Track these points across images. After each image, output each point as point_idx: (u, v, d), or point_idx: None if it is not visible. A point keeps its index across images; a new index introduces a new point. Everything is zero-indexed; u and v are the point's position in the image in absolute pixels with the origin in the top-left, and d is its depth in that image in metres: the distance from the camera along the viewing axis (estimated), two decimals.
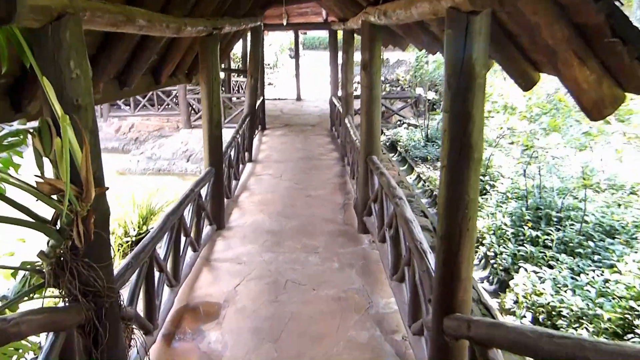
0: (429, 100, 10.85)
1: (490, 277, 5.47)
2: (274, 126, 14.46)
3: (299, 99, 19.69)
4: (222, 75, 19.63)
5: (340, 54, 16.26)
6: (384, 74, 21.79)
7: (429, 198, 7.58)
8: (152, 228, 4.48)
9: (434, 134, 10.24)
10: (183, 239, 5.30)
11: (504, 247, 5.76)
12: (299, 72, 19.86)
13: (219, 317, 4.69)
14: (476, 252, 5.90)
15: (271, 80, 24.44)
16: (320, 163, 10.36)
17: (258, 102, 12.72)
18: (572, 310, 4.45)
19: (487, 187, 6.55)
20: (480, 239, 5.68)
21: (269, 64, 25.13)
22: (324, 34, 34.57)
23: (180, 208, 4.86)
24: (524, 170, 6.12)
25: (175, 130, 15.65)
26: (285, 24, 18.44)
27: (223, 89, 18.65)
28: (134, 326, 3.55)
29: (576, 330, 4.32)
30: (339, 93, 14.21)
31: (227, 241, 6.44)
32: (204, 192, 6.30)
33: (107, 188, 2.77)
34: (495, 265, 5.60)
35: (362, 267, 5.64)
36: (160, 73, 5.96)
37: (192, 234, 5.61)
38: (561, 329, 4.54)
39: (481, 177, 6.92)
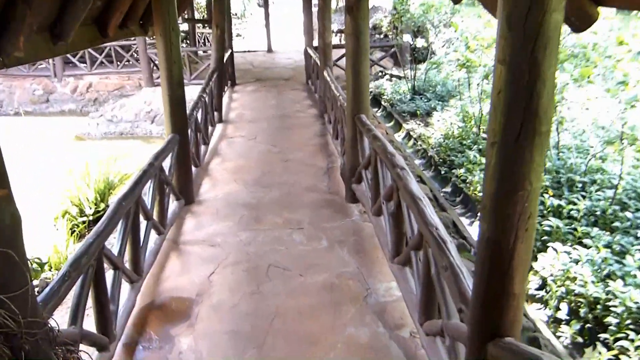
0: (416, 48, 9.89)
1: None
2: (244, 81, 13.40)
3: (270, 50, 18.46)
4: (184, 27, 18.17)
5: None
6: None
7: (422, 159, 6.88)
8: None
9: (421, 85, 9.41)
10: (144, 223, 4.49)
11: None
12: (269, 21, 18.52)
13: (191, 316, 3.94)
14: None
15: (239, 31, 22.92)
16: (298, 121, 9.48)
17: (226, 56, 11.61)
18: (625, 306, 3.74)
19: None
20: None
21: (236, 14, 23.48)
22: None
23: (135, 190, 4.01)
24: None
25: (138, 88, 14.40)
26: None
27: (187, 42, 17.25)
28: (80, 349, 2.79)
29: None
30: (315, 43, 13.19)
31: (197, 218, 5.63)
32: (167, 163, 5.42)
33: (7, 191, 1.92)
34: None
35: (355, 244, 4.93)
36: (106, 23, 4.93)
37: (155, 216, 4.79)
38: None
39: (484, 136, 6.22)
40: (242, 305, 4.03)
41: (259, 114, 10.06)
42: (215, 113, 9.19)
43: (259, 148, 8.01)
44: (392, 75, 11.38)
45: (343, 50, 14.27)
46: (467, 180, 5.60)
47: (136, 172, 4.40)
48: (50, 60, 15.11)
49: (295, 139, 8.42)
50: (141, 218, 4.37)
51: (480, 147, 6.00)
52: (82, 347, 2.90)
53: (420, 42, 9.39)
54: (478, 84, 6.19)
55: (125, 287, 3.96)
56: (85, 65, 15.18)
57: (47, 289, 2.56)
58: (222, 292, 4.20)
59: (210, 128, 8.41)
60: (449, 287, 2.77)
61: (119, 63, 14.98)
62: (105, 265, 3.46)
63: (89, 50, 14.88)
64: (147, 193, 4.67)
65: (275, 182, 6.56)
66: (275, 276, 4.41)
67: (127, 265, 4.08)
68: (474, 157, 5.90)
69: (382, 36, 15.72)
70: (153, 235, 4.77)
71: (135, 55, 14.60)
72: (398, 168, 3.96)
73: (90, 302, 3.16)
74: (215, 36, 8.87)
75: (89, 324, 3.20)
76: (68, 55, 15.16)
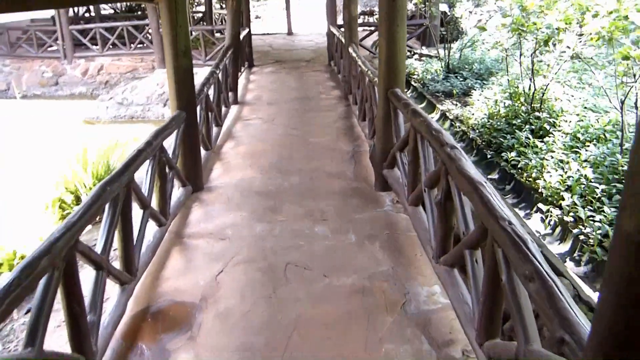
0: (447, 26, 8.89)
1: (577, 255, 3.98)
2: (262, 63, 12.66)
3: (290, 33, 17.69)
4: (201, 8, 17.46)
5: None
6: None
7: (462, 142, 6.06)
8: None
9: (456, 64, 8.52)
10: (140, 212, 3.79)
11: (593, 210, 4.17)
12: (289, 2, 17.74)
13: (193, 326, 3.25)
14: (547, 215, 4.38)
15: (258, 13, 22.17)
16: (320, 103, 8.72)
17: (243, 34, 10.86)
18: None
19: (547, 126, 5.01)
20: (551, 197, 4.17)
21: None
22: None
23: (126, 172, 3.30)
24: (622, 99, 4.38)
25: (151, 71, 13.78)
26: None
27: (204, 22, 16.54)
28: None
29: None
30: (339, 22, 12.38)
31: (206, 208, 4.93)
32: (170, 144, 4.73)
33: None
34: (582, 237, 3.96)
35: (388, 239, 4.18)
36: None
37: (154, 204, 4.09)
38: None
39: (537, 115, 5.37)
40: (255, 313, 3.32)
41: (278, 96, 9.32)
42: (230, 94, 8.48)
43: (277, 131, 7.28)
44: (421, 55, 10.52)
45: (366, 32, 13.45)
46: (519, 166, 4.78)
47: (130, 151, 3.69)
48: (60, 41, 14.58)
49: (317, 121, 7.67)
50: (137, 207, 3.70)
51: (534, 127, 5.16)
52: None
53: (459, 11, 8.47)
54: (534, 52, 5.32)
55: (114, 289, 3.29)
56: (96, 46, 14.59)
57: None
58: (231, 297, 3.49)
59: (224, 109, 7.70)
60: (536, 303, 2.00)
61: (131, 44, 14.35)
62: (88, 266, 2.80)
63: (100, 30, 14.30)
64: (145, 178, 3.98)
65: (295, 168, 5.82)
66: (295, 277, 3.68)
67: (117, 264, 3.40)
68: (526, 138, 5.06)
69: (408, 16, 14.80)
70: (152, 227, 4.08)
71: (149, 36, 13.96)
72: (448, 147, 3.18)
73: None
74: (231, 9, 8.13)
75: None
76: (79, 36, 14.63)
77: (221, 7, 16.43)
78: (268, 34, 18.18)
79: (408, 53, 11.28)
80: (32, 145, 9.29)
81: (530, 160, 4.59)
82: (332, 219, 4.54)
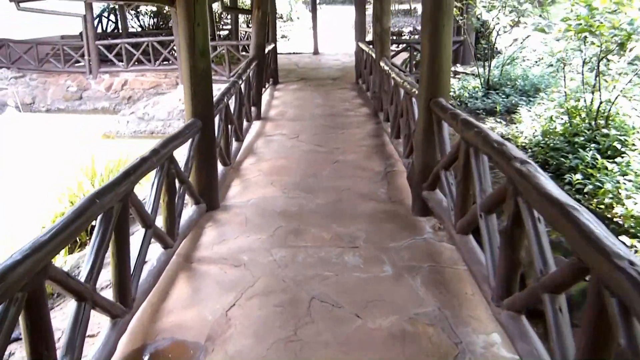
0: (502, 28, 8.33)
1: None
2: (288, 80, 12.23)
3: (316, 52, 17.34)
4: (224, 16, 17.21)
5: None
6: (413, 24, 19.28)
7: None
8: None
9: (496, 81, 7.87)
10: (141, 232, 3.24)
11: None
12: (316, 23, 17.45)
13: None
14: (633, 250, 3.66)
15: (285, 32, 21.93)
16: (347, 120, 8.16)
17: (269, 49, 10.46)
18: None
19: (617, 145, 4.35)
20: (636, 229, 3.49)
21: (281, 15, 22.52)
22: None
23: (123, 183, 2.76)
24: None
25: (174, 87, 13.50)
26: None
27: (229, 38, 16.29)
28: None
29: None
30: (368, 38, 11.92)
31: (220, 228, 4.36)
32: (183, 155, 4.21)
33: None
34: None
35: (431, 273, 3.53)
36: None
37: (161, 222, 3.55)
38: None
39: (604, 132, 4.68)
40: (272, 359, 2.70)
41: (303, 112, 8.81)
42: (253, 108, 8.00)
43: (302, 147, 6.73)
44: (456, 72, 9.95)
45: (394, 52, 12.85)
46: (586, 190, 4.10)
47: (129, 161, 3.16)
48: (87, 56, 14.46)
49: (345, 138, 7.10)
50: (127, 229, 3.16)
51: (600, 146, 4.49)
52: None
53: (504, 20, 7.85)
54: (601, 58, 4.66)
55: (103, 324, 2.72)
56: (122, 62, 14.42)
57: None
58: (244, 337, 2.88)
59: (245, 123, 7.20)
60: None
61: (156, 60, 14.13)
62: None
63: (126, 45, 14.14)
64: (150, 192, 3.43)
65: (321, 187, 5.24)
66: (321, 316, 3.06)
67: (110, 292, 2.84)
68: (593, 158, 4.39)
69: None
70: (156, 249, 3.53)
71: (174, 52, 13.72)
72: (517, 161, 2.55)
73: None
74: (257, 19, 7.71)
75: None
76: (105, 52, 14.50)
77: (247, 26, 16.19)
78: (294, 53, 17.87)
79: None
80: (45, 157, 8.95)
81: (603, 184, 3.92)
82: (364, 247, 3.92)
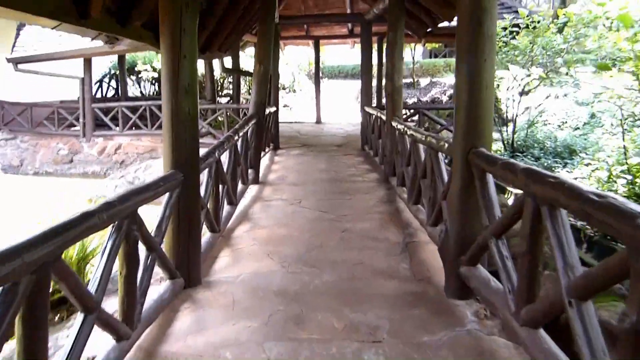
0: (532, 80, 7.66)
1: None
2: (289, 146, 11.55)
3: (319, 121, 16.88)
4: (226, 79, 16.79)
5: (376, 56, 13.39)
6: (417, 95, 19.04)
7: None
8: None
9: (520, 143, 7.12)
10: (80, 317, 2.28)
11: None
12: (319, 92, 17.13)
13: None
14: None
15: (287, 102, 21.67)
16: (355, 186, 7.33)
17: (270, 111, 9.85)
18: None
19: None
20: None
21: (284, 86, 22.41)
22: (344, 61, 32.23)
23: (41, 246, 1.84)
24: None
25: None
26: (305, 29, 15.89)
27: (230, 100, 15.82)
28: None
29: None
30: (374, 103, 11.39)
31: (199, 312, 3.36)
32: (151, 216, 3.31)
33: None
34: None
35: None
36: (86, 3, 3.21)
37: (118, 302, 2.60)
38: None
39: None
40: None
41: (306, 177, 8.00)
42: (250, 171, 7.19)
43: (305, 214, 5.83)
44: None
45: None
46: None
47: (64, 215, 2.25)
48: (81, 119, 13.92)
49: (354, 204, 6.22)
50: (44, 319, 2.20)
51: None
52: None
53: (536, 72, 7.19)
54: None
55: None
56: (117, 126, 13.85)
57: None
58: None
59: (240, 185, 6.35)
60: None
61: (153, 125, 13.56)
62: None
63: (123, 109, 13.63)
64: (100, 261, 2.50)
65: (328, 261, 4.29)
66: None
67: None
68: None
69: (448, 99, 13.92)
70: (106, 341, 2.54)
71: None
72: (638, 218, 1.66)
73: None
74: (258, 74, 7.08)
75: None
76: (101, 115, 13.97)
77: (249, 92, 15.83)
78: (296, 122, 17.45)
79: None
80: (19, 221, 8.04)
81: None
82: (389, 341, 2.92)
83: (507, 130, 7.39)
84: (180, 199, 3.52)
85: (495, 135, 8.01)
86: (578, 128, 7.18)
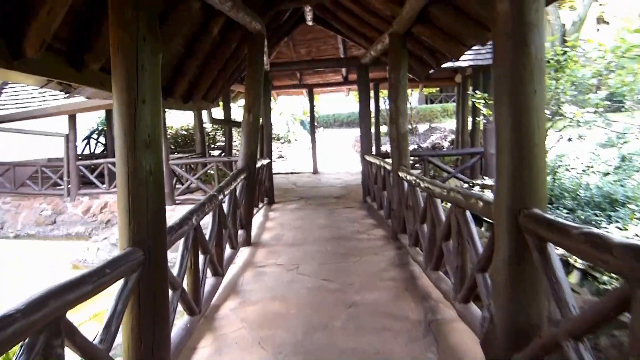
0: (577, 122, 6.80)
1: None
2: (285, 200, 10.75)
3: (315, 172, 16.17)
4: (218, 130, 16.15)
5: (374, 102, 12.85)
6: (416, 141, 18.47)
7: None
8: None
9: (550, 191, 6.22)
10: None
11: None
12: (315, 140, 16.51)
13: None
14: None
15: (282, 152, 21.02)
16: (360, 245, 6.48)
17: (262, 163, 9.12)
18: None
19: None
20: None
21: (278, 137, 21.87)
22: (339, 110, 32.00)
23: None
24: None
25: None
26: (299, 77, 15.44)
27: (222, 152, 15.12)
28: None
29: None
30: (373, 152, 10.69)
31: None
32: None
33: None
34: None
35: None
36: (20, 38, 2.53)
37: None
38: None
39: None
40: None
41: (304, 235, 7.15)
42: (241, 232, 6.35)
43: (304, 283, 4.96)
44: (484, 186, 8.51)
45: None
46: None
47: None
48: (66, 177, 13.15)
49: (361, 269, 5.36)
50: None
51: None
52: None
53: (569, 110, 6.45)
54: None
55: None
56: (104, 184, 13.07)
57: None
58: None
59: (229, 251, 5.51)
60: None
61: None
62: None
63: (109, 165, 12.91)
64: None
65: (335, 349, 3.41)
66: None
67: None
68: None
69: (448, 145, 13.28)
70: None
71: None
72: None
73: None
74: (247, 123, 6.35)
75: None
76: (86, 173, 13.23)
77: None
78: (292, 172, 16.74)
79: (466, 185, 9.27)
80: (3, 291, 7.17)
81: None
82: None
83: None
84: (140, 284, 2.68)
85: None
86: (608, 173, 6.42)
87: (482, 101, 7.60)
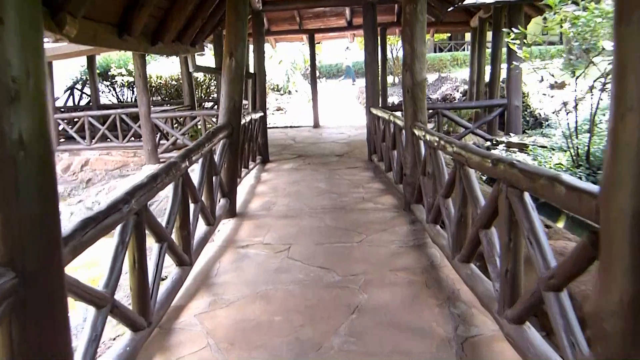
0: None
1: None
2: (281, 158, 9.63)
3: (316, 125, 14.95)
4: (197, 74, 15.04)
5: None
6: (427, 93, 17.10)
7: None
8: None
9: (596, 152, 5.14)
10: None
11: None
12: (316, 94, 15.20)
13: None
14: None
15: (281, 105, 19.67)
16: (365, 217, 5.41)
17: (254, 117, 7.95)
18: None
19: None
20: None
21: (277, 87, 20.46)
22: (341, 59, 30.32)
23: None
24: None
25: (141, 168, 10.94)
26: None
27: (216, 105, 13.89)
28: None
29: None
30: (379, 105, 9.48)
31: None
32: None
33: None
34: None
35: None
36: None
37: None
38: None
39: None
40: None
41: (300, 204, 6.08)
42: (223, 200, 5.28)
43: (294, 274, 3.92)
44: (509, 145, 7.33)
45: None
46: None
47: None
48: None
49: (366, 253, 4.31)
50: None
51: None
52: None
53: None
54: None
55: None
56: (84, 139, 11.95)
57: None
58: None
59: (204, 228, 4.45)
60: None
61: (125, 136, 11.64)
62: None
63: (89, 119, 11.75)
64: None
65: None
66: None
67: None
68: None
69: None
70: None
71: None
72: None
73: None
74: (228, 70, 5.14)
75: None
76: (65, 127, 12.11)
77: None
78: (291, 126, 15.54)
79: (489, 143, 8.10)
80: None
81: None
82: None
83: (568, 134, 5.42)
84: (13, 316, 1.61)
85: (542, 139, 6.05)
86: None
87: (517, 42, 6.34)
